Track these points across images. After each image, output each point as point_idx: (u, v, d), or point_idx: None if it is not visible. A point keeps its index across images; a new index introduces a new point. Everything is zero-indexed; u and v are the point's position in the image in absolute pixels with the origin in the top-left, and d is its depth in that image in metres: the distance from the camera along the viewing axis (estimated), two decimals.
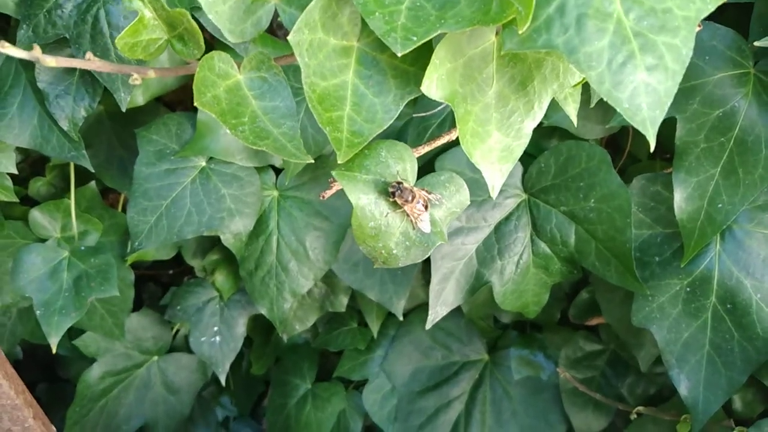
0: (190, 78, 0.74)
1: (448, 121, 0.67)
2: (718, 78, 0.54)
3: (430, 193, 0.35)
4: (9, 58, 0.66)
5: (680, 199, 0.55)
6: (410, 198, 0.34)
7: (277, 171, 0.75)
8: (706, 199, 0.55)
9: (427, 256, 0.36)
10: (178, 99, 0.91)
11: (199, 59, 0.34)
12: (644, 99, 0.30)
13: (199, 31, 0.33)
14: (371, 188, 0.34)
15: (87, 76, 0.64)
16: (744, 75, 0.53)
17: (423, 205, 0.35)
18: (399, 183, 0.34)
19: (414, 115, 0.69)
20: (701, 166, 0.55)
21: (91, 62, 0.32)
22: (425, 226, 0.35)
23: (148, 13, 0.32)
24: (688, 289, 0.60)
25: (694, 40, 0.31)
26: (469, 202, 0.37)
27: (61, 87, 0.64)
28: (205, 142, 0.69)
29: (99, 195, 0.83)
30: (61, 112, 0.64)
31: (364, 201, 0.34)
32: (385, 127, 0.35)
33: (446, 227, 0.37)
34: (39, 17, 0.59)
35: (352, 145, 0.34)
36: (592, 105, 0.57)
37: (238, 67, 0.34)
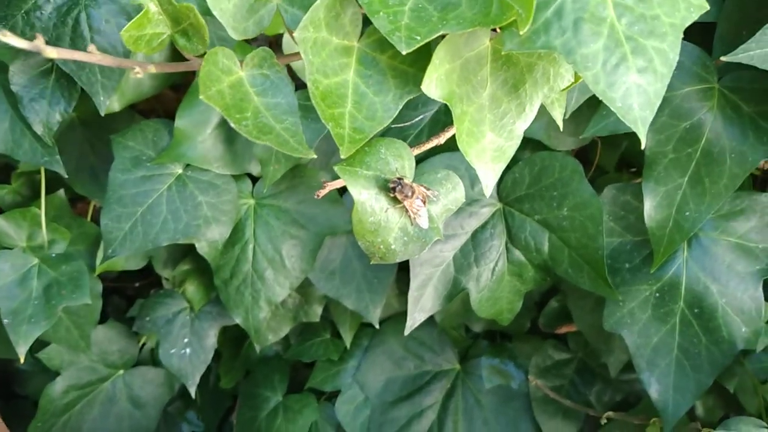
0: (165, 86, 0.74)
1: (425, 132, 0.68)
2: (686, 92, 0.56)
3: (428, 190, 0.37)
4: None
5: (650, 207, 0.58)
6: (410, 194, 0.35)
7: (254, 179, 0.75)
8: (674, 208, 0.58)
9: (423, 251, 0.37)
10: (150, 107, 0.91)
11: (200, 55, 0.35)
12: (636, 99, 0.32)
13: (205, 26, 0.33)
14: (372, 184, 0.35)
15: (63, 79, 0.63)
16: (709, 89, 0.56)
17: (422, 201, 0.36)
18: (400, 179, 0.35)
19: (392, 126, 0.70)
20: (669, 176, 0.57)
21: (93, 55, 0.32)
22: (423, 222, 0.36)
23: (153, 7, 0.32)
24: (657, 294, 0.62)
25: (680, 45, 0.33)
26: (464, 200, 0.38)
27: (36, 90, 0.63)
28: (182, 149, 0.68)
29: (68, 203, 0.81)
30: (36, 116, 0.63)
31: (365, 196, 0.35)
32: (385, 125, 0.36)
33: (442, 223, 0.38)
34: (17, 18, 0.58)
35: (354, 141, 0.35)
36: (566, 116, 0.59)
37: (241, 64, 0.35)
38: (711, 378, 0.61)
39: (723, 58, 0.53)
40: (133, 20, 0.32)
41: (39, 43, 0.31)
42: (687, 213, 0.57)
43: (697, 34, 0.61)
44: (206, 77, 0.33)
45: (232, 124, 0.33)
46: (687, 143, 0.57)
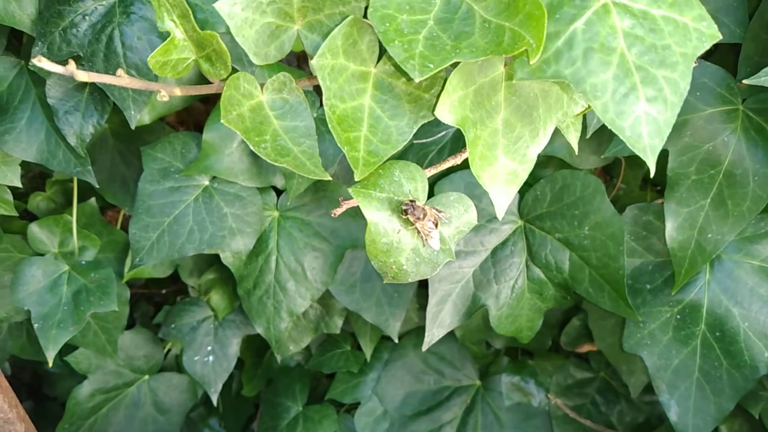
0: (194, 100, 0.76)
1: (447, 148, 0.69)
2: (709, 113, 0.56)
3: (440, 212, 0.37)
4: (20, 73, 0.68)
5: (671, 228, 0.58)
6: (422, 216, 0.35)
7: (279, 192, 0.76)
8: (696, 229, 0.57)
9: (435, 272, 0.37)
10: (180, 120, 0.93)
11: (223, 79, 0.36)
12: (645, 128, 0.32)
13: (227, 52, 0.34)
14: (385, 206, 0.36)
15: (96, 93, 0.65)
16: (733, 111, 0.56)
17: (433, 223, 0.36)
18: (412, 201, 0.36)
19: (414, 142, 0.71)
20: (692, 197, 0.57)
21: (122, 78, 0.34)
22: (435, 244, 0.36)
23: (179, 34, 0.34)
24: (678, 316, 0.61)
25: (691, 75, 0.33)
26: (476, 222, 0.39)
27: (71, 103, 0.65)
28: (210, 161, 0.70)
29: (99, 212, 0.84)
30: (70, 127, 0.65)
31: (378, 217, 0.36)
32: (399, 149, 0.36)
33: (454, 245, 0.38)
34: (54, 35, 0.60)
35: (368, 164, 0.35)
36: (588, 136, 0.59)
37: (261, 88, 0.36)
38: (732, 402, 0.60)
39: (746, 81, 0.52)
40: (159, 47, 0.33)
41: (71, 67, 0.32)
42: (709, 235, 0.57)
43: (722, 55, 0.61)
44: (227, 101, 0.34)
45: (252, 147, 0.34)
46: (710, 165, 0.57)
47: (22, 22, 0.61)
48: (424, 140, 0.68)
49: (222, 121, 0.33)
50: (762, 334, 0.59)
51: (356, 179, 0.35)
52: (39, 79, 0.66)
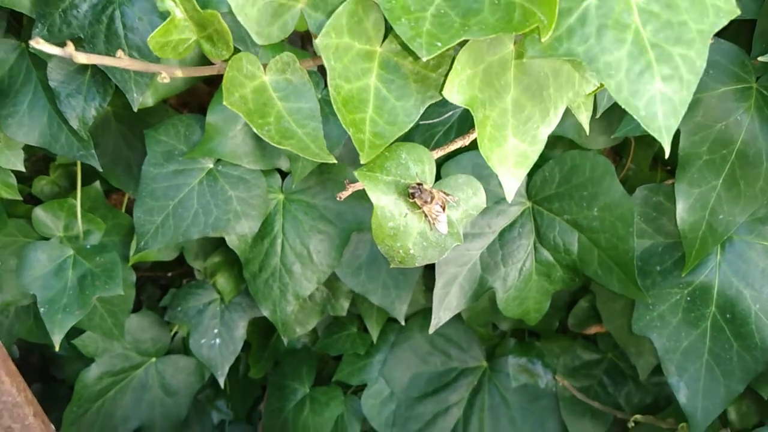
0: (197, 80, 0.75)
1: (454, 128, 0.68)
2: (722, 92, 0.55)
3: (447, 195, 0.36)
4: (21, 57, 0.67)
5: (682, 209, 0.57)
6: (429, 199, 0.35)
7: (283, 174, 0.75)
8: (707, 210, 0.56)
9: (443, 256, 0.37)
10: (183, 102, 0.92)
11: (225, 60, 0.35)
12: (660, 108, 0.31)
13: (229, 32, 0.34)
14: (392, 189, 0.35)
15: (98, 75, 0.64)
16: (746, 90, 0.55)
17: (441, 206, 0.35)
18: (419, 184, 0.35)
19: (420, 122, 0.70)
20: (703, 178, 0.56)
21: (121, 60, 0.33)
22: (442, 227, 0.36)
23: (179, 14, 0.33)
24: (688, 298, 0.61)
25: (707, 52, 0.32)
26: (485, 205, 0.38)
27: (73, 86, 0.65)
28: (214, 144, 0.69)
29: (103, 195, 0.83)
30: (72, 111, 0.65)
31: (385, 201, 0.35)
32: (405, 130, 0.35)
33: (462, 229, 0.38)
34: (54, 16, 0.59)
35: (374, 146, 0.35)
36: (598, 116, 0.58)
37: (264, 69, 0.35)
38: (742, 385, 0.60)
39: (762, 58, 0.51)
40: (159, 28, 0.33)
41: (69, 49, 0.32)
42: (721, 216, 0.56)
43: (736, 32, 0.59)
44: (230, 83, 0.33)
45: (255, 129, 0.34)
46: (722, 144, 0.55)
47: (22, 3, 0.60)
48: (431, 121, 0.67)
49: (224, 102, 0.33)
50: None
51: (362, 162, 0.34)
52: (40, 62, 0.65)
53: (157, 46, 0.33)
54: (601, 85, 0.38)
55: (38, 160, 0.89)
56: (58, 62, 0.63)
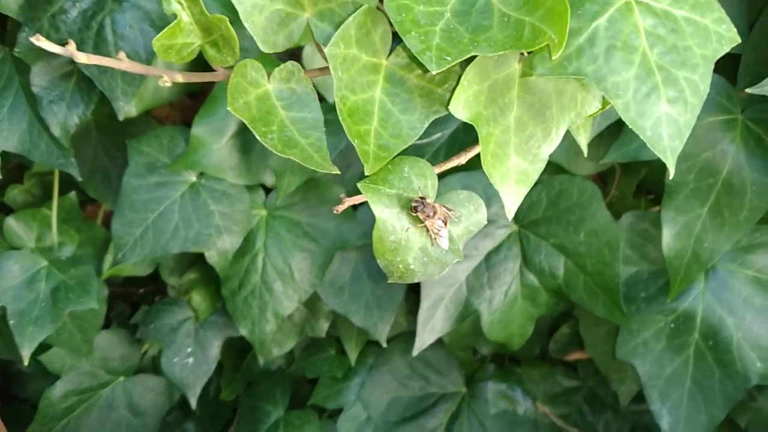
0: (184, 93, 0.74)
1: (443, 150, 0.68)
2: (709, 122, 0.56)
3: (450, 210, 0.36)
4: (3, 61, 0.65)
5: (668, 236, 0.57)
6: (431, 213, 0.34)
7: (267, 190, 0.74)
8: (693, 238, 0.57)
9: (442, 273, 0.36)
10: (166, 114, 0.91)
11: (229, 67, 0.35)
12: (665, 129, 0.32)
13: (236, 38, 0.33)
14: (394, 202, 0.35)
15: (83, 83, 0.63)
16: (732, 121, 0.56)
17: (443, 221, 0.35)
18: (422, 198, 0.34)
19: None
20: (689, 206, 0.57)
21: (122, 62, 0.32)
22: (444, 243, 0.35)
23: (185, 17, 0.32)
24: (672, 325, 0.61)
25: (710, 77, 0.33)
26: (485, 222, 0.38)
27: (56, 92, 0.63)
28: (198, 156, 0.68)
29: (78, 206, 0.81)
30: (54, 117, 0.63)
31: (387, 214, 0.34)
32: (410, 143, 0.35)
33: (462, 245, 0.37)
34: (42, 21, 0.58)
35: (379, 158, 0.34)
36: (588, 141, 0.59)
37: (268, 77, 0.35)
38: (724, 412, 0.60)
39: (748, 90, 0.52)
40: (165, 29, 0.32)
41: (71, 47, 0.31)
42: (705, 244, 0.57)
43: (722, 65, 0.61)
44: (234, 89, 0.33)
45: (258, 137, 0.33)
46: (708, 173, 0.56)
47: (9, 6, 0.59)
48: (420, 141, 0.67)
49: (228, 108, 0.32)
50: (755, 344, 0.59)
51: (366, 173, 0.34)
52: (23, 66, 0.63)
53: (162, 48, 0.32)
54: (603, 106, 0.38)
55: (12, 168, 0.86)
56: (42, 68, 0.62)
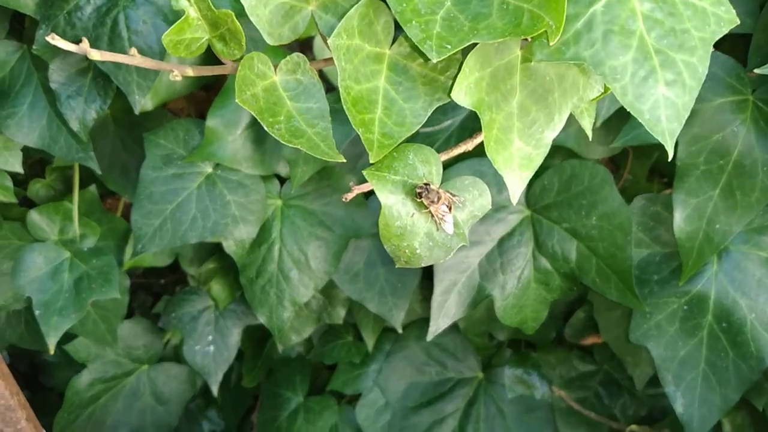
0: (197, 86, 0.75)
1: (454, 137, 0.68)
2: (718, 103, 0.56)
3: (454, 196, 0.37)
4: (22, 58, 0.67)
5: (680, 219, 0.57)
6: (436, 199, 0.35)
7: (282, 180, 0.75)
8: (704, 220, 0.57)
9: (448, 257, 0.37)
10: (181, 107, 0.92)
11: (236, 60, 0.36)
12: (664, 111, 0.32)
13: (242, 32, 0.34)
14: (399, 188, 0.35)
15: (100, 78, 0.64)
16: (743, 102, 0.56)
17: (447, 206, 0.36)
18: (426, 184, 0.35)
19: (420, 131, 0.70)
20: (701, 188, 0.57)
21: (135, 58, 0.33)
22: (449, 228, 0.36)
23: (193, 13, 0.33)
24: (685, 307, 0.61)
25: (709, 59, 0.33)
26: (490, 207, 0.38)
27: (73, 88, 0.65)
28: (213, 148, 0.69)
29: (99, 199, 0.83)
30: (72, 112, 0.65)
31: (392, 200, 0.35)
32: (414, 131, 0.36)
33: (467, 230, 0.38)
34: (59, 18, 0.59)
35: (383, 146, 0.35)
36: (598, 125, 0.59)
37: (275, 69, 0.35)
38: (738, 393, 0.60)
39: (757, 71, 0.52)
40: (173, 26, 0.33)
41: (85, 46, 0.32)
42: (717, 226, 0.56)
43: (732, 45, 0.60)
44: (242, 81, 0.33)
45: (266, 128, 0.34)
46: (719, 155, 0.56)
47: (26, 4, 0.60)
48: (431, 129, 0.68)
49: (236, 100, 0.33)
50: None
51: (371, 161, 0.35)
52: (41, 63, 0.65)
53: (171, 44, 0.33)
54: (605, 91, 0.38)
55: (34, 162, 0.88)
56: (59, 64, 0.64)
